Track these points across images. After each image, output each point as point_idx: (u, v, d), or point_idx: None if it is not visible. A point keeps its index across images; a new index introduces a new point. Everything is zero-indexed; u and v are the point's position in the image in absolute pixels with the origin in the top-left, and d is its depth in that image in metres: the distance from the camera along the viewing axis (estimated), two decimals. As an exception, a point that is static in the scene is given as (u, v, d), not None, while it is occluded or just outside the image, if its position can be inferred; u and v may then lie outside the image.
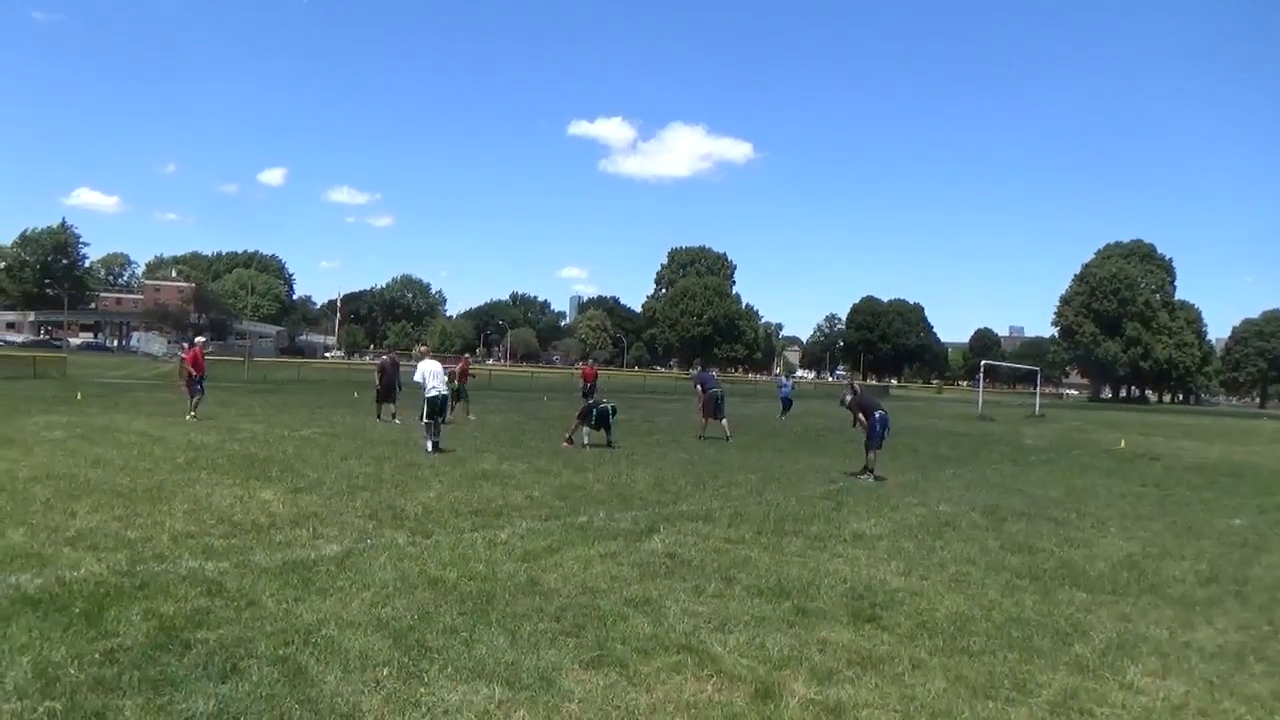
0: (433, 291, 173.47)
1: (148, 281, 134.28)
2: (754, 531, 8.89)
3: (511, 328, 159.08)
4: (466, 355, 27.78)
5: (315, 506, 9.03)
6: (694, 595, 6.32)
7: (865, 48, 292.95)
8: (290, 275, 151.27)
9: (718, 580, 6.78)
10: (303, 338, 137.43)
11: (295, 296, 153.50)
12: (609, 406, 17.15)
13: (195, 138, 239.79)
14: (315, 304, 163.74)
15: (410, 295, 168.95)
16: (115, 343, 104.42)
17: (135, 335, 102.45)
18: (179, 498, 9.12)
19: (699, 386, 21.35)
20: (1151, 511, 12.20)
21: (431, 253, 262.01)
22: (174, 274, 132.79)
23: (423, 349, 17.68)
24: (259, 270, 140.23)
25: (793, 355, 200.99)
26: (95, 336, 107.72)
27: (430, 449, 14.41)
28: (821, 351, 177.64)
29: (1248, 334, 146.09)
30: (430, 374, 14.98)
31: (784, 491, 12.08)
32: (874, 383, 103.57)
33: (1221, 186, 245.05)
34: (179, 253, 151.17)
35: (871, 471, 13.93)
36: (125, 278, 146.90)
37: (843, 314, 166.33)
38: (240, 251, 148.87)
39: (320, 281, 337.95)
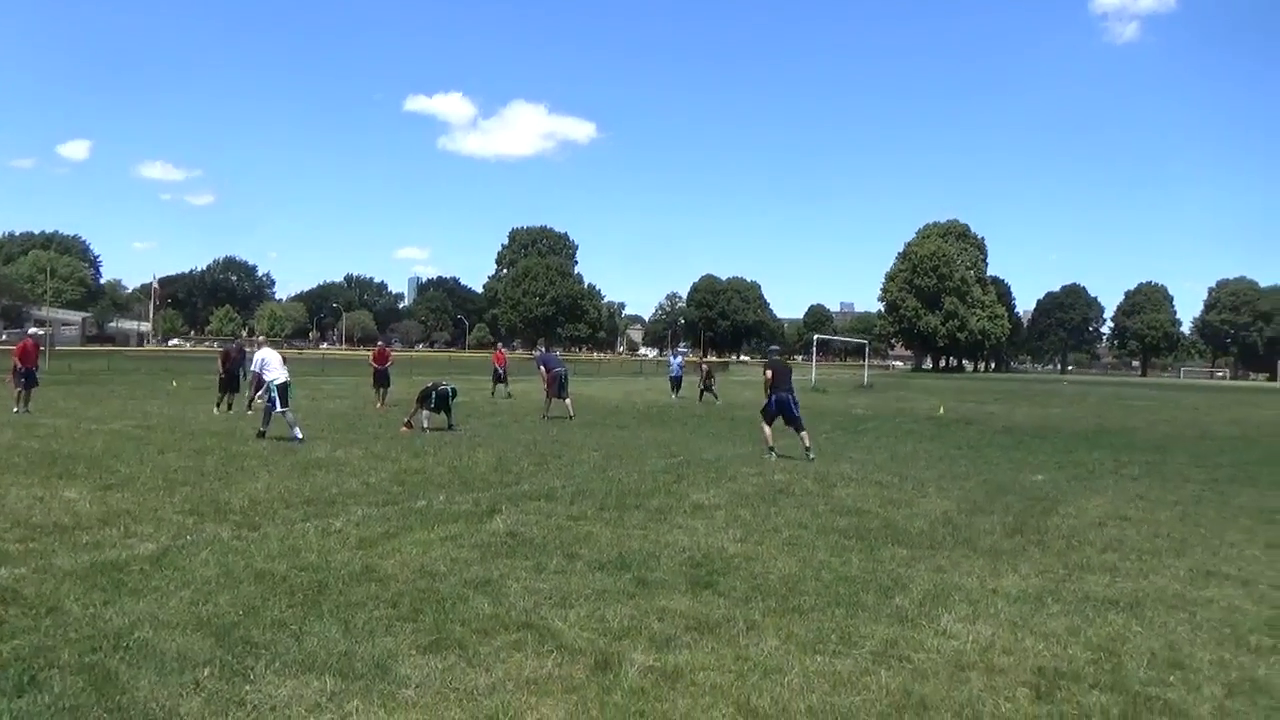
0: (259, 274, 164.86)
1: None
2: (596, 507, 8.96)
3: (347, 310, 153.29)
4: (381, 343, 26.18)
5: (127, 504, 8.41)
6: (535, 573, 6.30)
7: (704, 30, 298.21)
8: (96, 257, 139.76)
9: (559, 557, 6.79)
10: (113, 324, 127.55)
11: (103, 280, 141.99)
12: (449, 388, 16.82)
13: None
14: (126, 288, 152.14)
15: (235, 278, 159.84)
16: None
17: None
18: (-33, 501, 8.29)
19: (542, 367, 21.29)
20: (966, 471, 13.10)
21: (258, 233, 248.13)
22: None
23: (261, 338, 17.12)
24: (59, 252, 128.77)
25: (635, 334, 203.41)
26: None
27: (263, 435, 14.07)
28: (663, 330, 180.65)
29: (1050, 306, 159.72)
30: (271, 363, 14.50)
31: (626, 467, 12.22)
32: (715, 359, 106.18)
33: (1029, 170, 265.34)
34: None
35: (772, 449, 13.95)
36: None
37: (683, 292, 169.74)
38: (38, 232, 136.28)
39: (133, 264, 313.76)
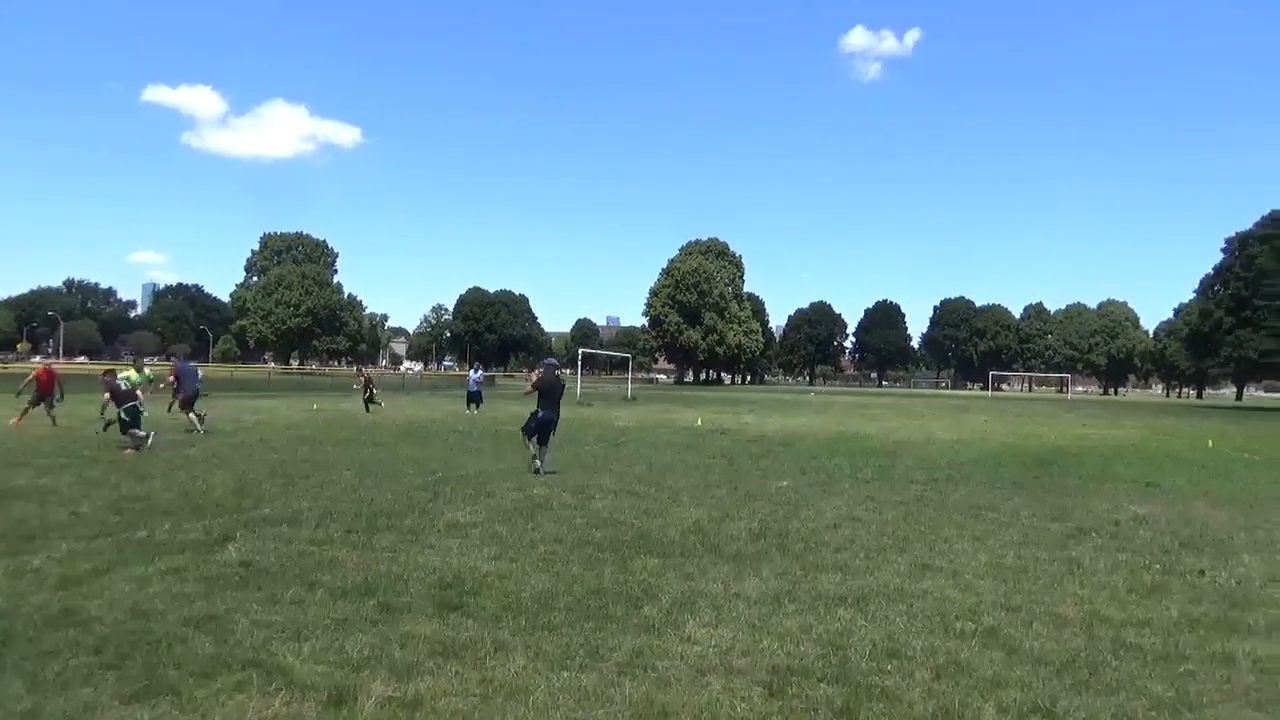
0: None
1: None
2: (344, 530, 8.49)
3: (66, 319, 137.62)
4: (48, 362, 22.00)
5: None
6: (268, 605, 5.84)
7: (474, 40, 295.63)
8: None
9: (298, 586, 6.35)
10: None
11: None
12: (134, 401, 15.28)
13: None
14: None
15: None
16: None
17: None
18: None
19: (174, 379, 19.96)
20: (718, 480, 13.64)
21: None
22: None
23: None
24: None
25: (399, 346, 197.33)
26: None
27: None
28: (428, 343, 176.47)
29: (800, 322, 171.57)
30: None
31: (381, 487, 11.71)
32: (482, 373, 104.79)
33: (785, 192, 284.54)
34: None
35: (538, 461, 13.81)
36: None
37: (450, 304, 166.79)
38: None
39: None
